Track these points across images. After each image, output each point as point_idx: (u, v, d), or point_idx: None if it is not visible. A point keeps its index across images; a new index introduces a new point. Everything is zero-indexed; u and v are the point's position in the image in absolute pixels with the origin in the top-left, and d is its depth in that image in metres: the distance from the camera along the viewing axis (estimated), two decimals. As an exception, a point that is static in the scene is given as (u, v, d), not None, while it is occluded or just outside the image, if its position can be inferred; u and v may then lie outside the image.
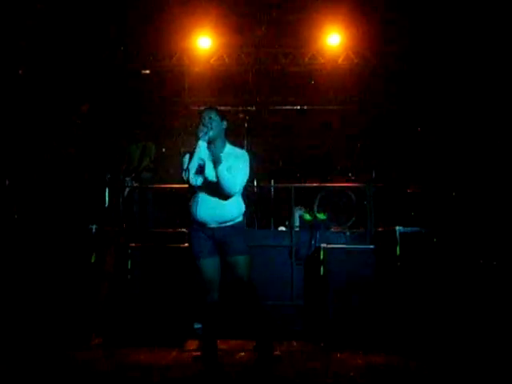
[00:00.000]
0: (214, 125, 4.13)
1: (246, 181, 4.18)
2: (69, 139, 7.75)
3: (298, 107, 9.34)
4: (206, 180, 4.09)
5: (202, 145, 4.06)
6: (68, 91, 7.86)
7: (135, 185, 7.58)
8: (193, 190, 4.17)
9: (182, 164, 4.14)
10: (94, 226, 5.49)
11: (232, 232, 4.14)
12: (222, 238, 4.13)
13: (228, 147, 4.25)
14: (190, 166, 4.04)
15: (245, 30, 8.30)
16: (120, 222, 6.27)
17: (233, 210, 4.16)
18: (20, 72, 6.33)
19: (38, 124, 6.91)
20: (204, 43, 8.27)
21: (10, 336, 4.74)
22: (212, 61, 8.49)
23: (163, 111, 9.30)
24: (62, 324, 5.00)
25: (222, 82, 8.95)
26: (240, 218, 4.22)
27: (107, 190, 6.63)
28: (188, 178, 4.05)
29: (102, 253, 5.53)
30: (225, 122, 4.23)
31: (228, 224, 4.14)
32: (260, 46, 8.52)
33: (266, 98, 9.22)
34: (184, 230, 5.83)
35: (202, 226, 4.13)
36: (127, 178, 7.62)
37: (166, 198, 7.97)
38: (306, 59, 8.53)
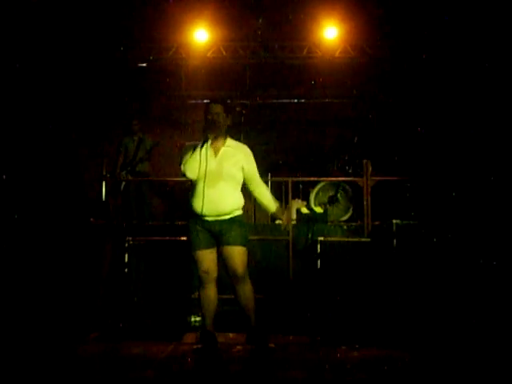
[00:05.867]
0: (221, 121, 4.12)
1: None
2: (65, 133, 7.74)
3: (295, 100, 9.34)
4: (205, 174, 4.09)
5: (205, 142, 4.06)
6: (65, 85, 7.84)
7: (131, 178, 7.58)
8: (193, 183, 4.16)
9: (182, 156, 4.14)
10: (91, 221, 5.50)
11: (230, 224, 4.16)
12: (219, 230, 4.14)
13: (229, 141, 4.25)
14: (191, 159, 4.05)
15: (242, 23, 8.28)
16: (117, 215, 6.27)
17: (232, 203, 4.16)
18: (17, 66, 6.31)
19: (35, 118, 6.89)
20: (201, 36, 8.25)
21: (8, 330, 4.74)
22: (209, 54, 8.47)
23: (160, 104, 9.29)
24: (59, 318, 5.01)
25: (219, 75, 8.93)
26: (239, 212, 4.23)
27: (104, 183, 6.63)
28: (185, 170, 4.07)
29: (99, 247, 5.54)
30: (230, 117, 4.21)
31: (226, 217, 4.15)
32: (257, 39, 8.50)
33: (262, 91, 9.22)
34: (180, 223, 5.85)
35: (201, 218, 4.13)
36: (123, 172, 7.62)
37: (163, 190, 7.98)
38: (304, 52, 8.52)
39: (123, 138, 7.89)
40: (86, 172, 7.94)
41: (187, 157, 4.09)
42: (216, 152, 4.16)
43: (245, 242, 4.20)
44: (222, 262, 4.21)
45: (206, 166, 4.07)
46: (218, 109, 4.14)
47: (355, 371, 3.93)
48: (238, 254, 4.14)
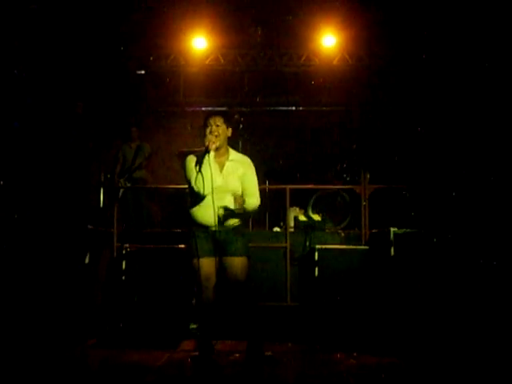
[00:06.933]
0: (221, 132, 4.12)
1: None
2: (63, 139, 7.74)
3: (294, 108, 9.36)
4: (213, 189, 4.08)
5: (211, 155, 4.05)
6: (64, 91, 7.85)
7: (129, 185, 7.59)
8: (197, 197, 4.15)
9: (188, 172, 4.13)
10: (88, 227, 5.50)
11: (234, 234, 4.17)
12: (224, 239, 4.15)
13: (232, 154, 4.25)
14: (202, 176, 4.02)
15: (240, 31, 8.30)
16: (114, 222, 6.26)
17: (234, 214, 4.16)
18: (15, 72, 6.32)
19: (34, 124, 6.90)
20: (199, 44, 8.27)
21: (6, 336, 4.73)
22: (207, 61, 8.50)
23: (159, 111, 9.30)
24: (56, 324, 5.00)
25: (218, 82, 8.95)
26: (240, 221, 4.24)
27: (102, 190, 6.63)
28: (199, 188, 4.04)
29: (97, 254, 5.53)
30: (230, 129, 4.19)
31: (230, 227, 4.17)
32: (255, 47, 8.52)
33: (261, 98, 9.23)
34: (178, 230, 5.85)
35: (206, 228, 4.14)
36: (121, 179, 7.63)
37: (160, 198, 7.98)
38: (302, 60, 8.54)
39: (121, 145, 7.91)
40: (84, 178, 7.93)
41: (194, 173, 4.06)
42: (221, 167, 4.17)
43: (247, 253, 4.22)
44: (223, 271, 4.20)
45: (214, 182, 4.06)
46: (217, 120, 4.13)
47: (353, 379, 3.93)
48: (240, 264, 4.15)
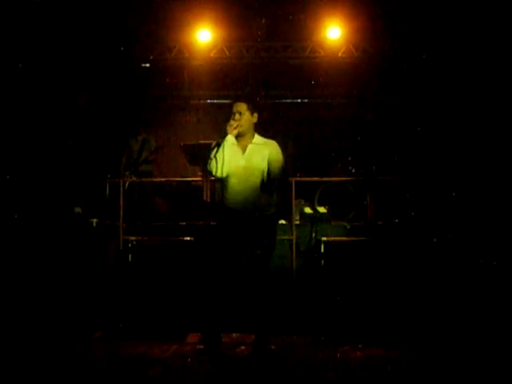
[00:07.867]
0: (244, 120, 4.16)
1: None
2: (68, 133, 7.75)
3: (298, 100, 9.33)
4: (234, 171, 4.12)
5: (229, 139, 4.09)
6: (68, 85, 7.86)
7: (134, 179, 7.59)
8: (222, 183, 4.18)
9: (208, 154, 4.17)
10: (94, 220, 5.50)
11: (263, 224, 4.16)
12: (251, 229, 4.14)
13: (256, 138, 4.27)
14: (215, 157, 4.07)
15: (245, 23, 8.28)
16: (120, 215, 6.26)
17: (264, 199, 4.17)
18: (20, 65, 6.32)
19: (38, 117, 6.91)
20: (204, 36, 8.25)
21: (12, 329, 4.75)
22: (212, 54, 8.47)
23: (163, 104, 9.30)
24: (62, 317, 5.01)
25: (222, 75, 8.94)
26: (272, 209, 4.22)
27: (107, 184, 6.63)
28: (211, 168, 4.08)
29: (103, 247, 5.54)
30: (256, 115, 4.23)
31: (260, 213, 4.15)
32: (260, 39, 8.50)
33: (266, 91, 9.21)
34: (183, 223, 5.86)
35: (234, 216, 4.13)
36: (127, 172, 7.64)
37: (165, 191, 7.98)
38: (307, 52, 8.51)
39: (128, 140, 7.91)
40: (89, 172, 7.94)
41: (212, 156, 4.12)
42: (243, 149, 4.21)
43: (274, 245, 4.23)
44: (247, 259, 4.20)
45: (237, 163, 4.12)
46: (240, 107, 4.18)
47: (358, 371, 3.93)
48: (266, 257, 4.16)
